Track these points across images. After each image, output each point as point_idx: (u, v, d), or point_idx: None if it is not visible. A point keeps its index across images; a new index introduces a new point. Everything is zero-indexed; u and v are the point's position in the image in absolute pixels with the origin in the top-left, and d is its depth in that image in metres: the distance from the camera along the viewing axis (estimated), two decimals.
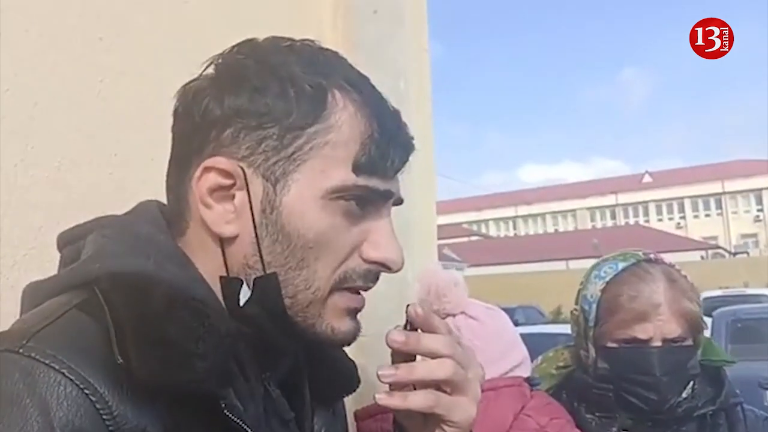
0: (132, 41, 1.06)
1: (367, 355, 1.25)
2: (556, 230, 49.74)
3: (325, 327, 0.63)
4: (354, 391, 0.79)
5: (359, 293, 0.66)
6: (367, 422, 1.13)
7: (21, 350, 0.51)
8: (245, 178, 0.61)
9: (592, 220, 50.46)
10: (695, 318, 1.19)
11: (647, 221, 46.74)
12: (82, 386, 0.50)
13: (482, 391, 1.08)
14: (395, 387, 0.64)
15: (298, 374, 0.72)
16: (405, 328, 0.64)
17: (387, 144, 0.62)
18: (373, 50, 1.54)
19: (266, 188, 0.61)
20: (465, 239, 38.13)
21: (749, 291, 15.06)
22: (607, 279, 1.22)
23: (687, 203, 47.30)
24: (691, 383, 1.20)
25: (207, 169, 0.61)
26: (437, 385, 0.63)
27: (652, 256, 1.25)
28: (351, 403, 1.24)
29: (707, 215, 46.78)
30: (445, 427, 0.64)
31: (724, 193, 45.79)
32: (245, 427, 0.57)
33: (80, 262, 0.61)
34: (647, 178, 50.27)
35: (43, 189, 0.91)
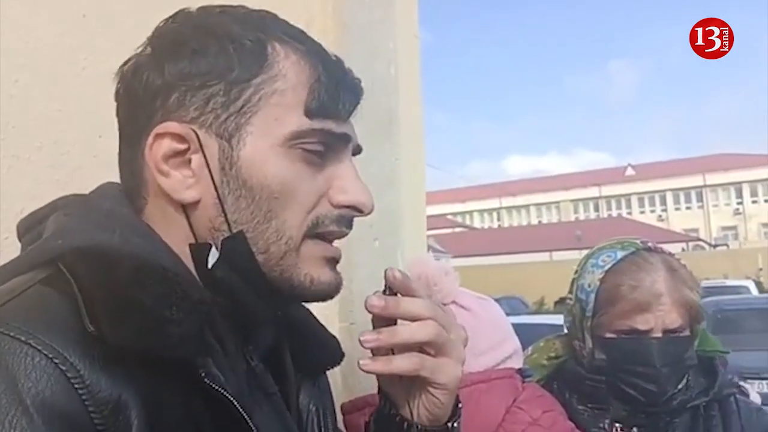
0: (116, 19, 1.02)
1: (357, 342, 1.24)
2: (539, 222, 50.02)
3: (304, 278, 0.62)
4: (338, 363, 0.79)
5: (338, 238, 0.65)
6: (354, 415, 1.11)
7: None
8: (198, 140, 0.60)
9: (576, 212, 50.80)
10: (696, 307, 1.17)
11: (630, 213, 47.13)
12: (51, 356, 0.48)
13: (474, 383, 1.08)
14: (377, 353, 0.63)
15: (280, 348, 0.71)
16: (384, 293, 0.63)
17: (335, 87, 0.62)
18: (363, 35, 1.52)
19: (221, 146, 0.60)
20: (449, 230, 38.22)
21: (729, 282, 15.32)
22: (606, 268, 1.19)
23: (669, 196, 47.77)
24: (686, 374, 1.18)
25: (159, 136, 0.60)
26: (420, 349, 0.63)
27: (650, 244, 1.23)
28: (341, 396, 1.22)
29: (688, 208, 47.30)
30: (432, 390, 0.64)
31: (705, 186, 46.30)
32: (226, 395, 0.55)
33: (42, 240, 0.59)
34: (630, 171, 50.68)
35: (24, 170, 0.88)
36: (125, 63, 0.64)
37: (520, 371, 1.16)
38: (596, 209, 50.35)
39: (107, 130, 0.99)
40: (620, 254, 1.20)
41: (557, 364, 1.28)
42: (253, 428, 0.57)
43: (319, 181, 0.62)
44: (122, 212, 0.62)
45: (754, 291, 14.63)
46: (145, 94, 0.61)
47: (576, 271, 1.27)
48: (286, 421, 0.68)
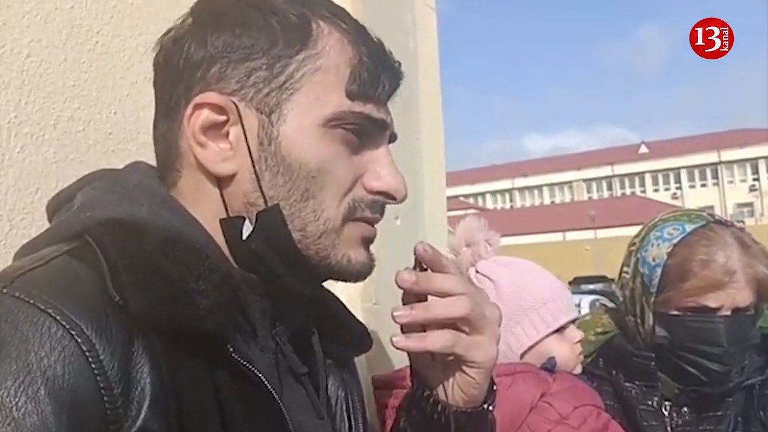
0: None
1: (383, 324, 1.21)
2: (552, 202, 49.84)
3: (341, 257, 0.61)
4: (367, 350, 0.77)
5: (372, 224, 0.64)
6: (384, 392, 1.08)
7: (5, 290, 0.49)
8: (238, 112, 0.59)
9: (589, 191, 50.53)
10: None
11: (643, 192, 46.84)
12: (68, 327, 0.47)
13: (497, 375, 1.04)
14: (408, 330, 0.62)
15: (307, 331, 0.70)
16: (414, 268, 0.62)
17: (376, 68, 0.61)
18: (380, 8, 1.47)
19: (261, 120, 0.59)
20: (461, 212, 38.22)
21: None
22: (674, 241, 1.12)
23: (683, 173, 47.35)
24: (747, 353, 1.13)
25: (198, 106, 0.59)
26: (453, 326, 0.61)
27: (719, 217, 1.16)
28: (366, 378, 1.19)
29: (703, 185, 46.89)
30: (466, 369, 0.62)
31: (720, 162, 45.81)
32: (255, 371, 0.54)
33: (70, 213, 0.58)
34: (643, 149, 50.22)
35: (38, 148, 0.85)
36: (165, 33, 0.63)
37: (544, 365, 1.09)
38: (609, 188, 50.05)
39: (122, 106, 0.97)
40: (689, 227, 1.13)
41: (604, 340, 1.22)
42: (282, 407, 0.56)
43: (355, 163, 0.62)
44: (151, 186, 0.61)
45: None
46: (185, 65, 0.60)
47: (634, 244, 1.20)
48: (315, 403, 0.67)
